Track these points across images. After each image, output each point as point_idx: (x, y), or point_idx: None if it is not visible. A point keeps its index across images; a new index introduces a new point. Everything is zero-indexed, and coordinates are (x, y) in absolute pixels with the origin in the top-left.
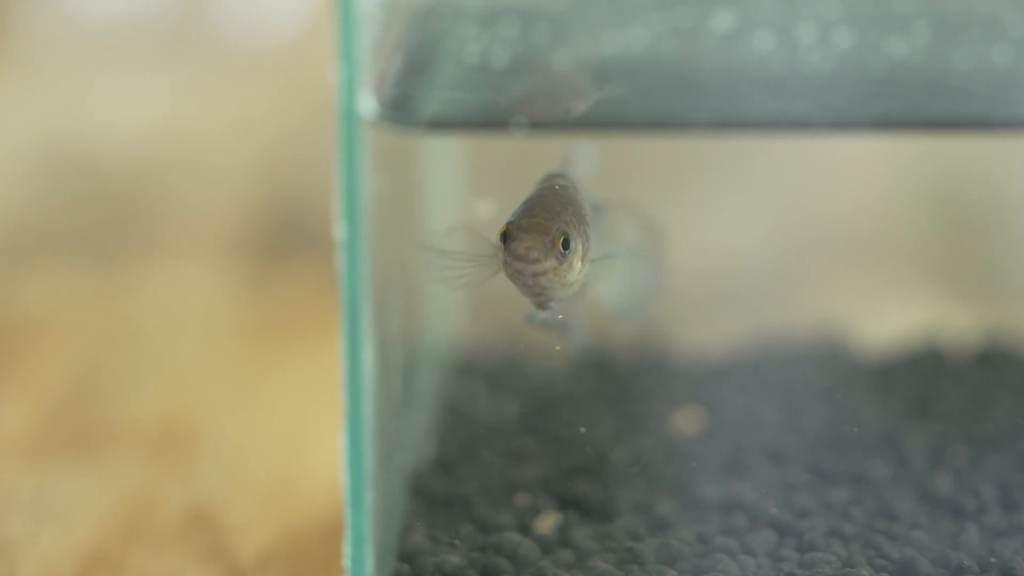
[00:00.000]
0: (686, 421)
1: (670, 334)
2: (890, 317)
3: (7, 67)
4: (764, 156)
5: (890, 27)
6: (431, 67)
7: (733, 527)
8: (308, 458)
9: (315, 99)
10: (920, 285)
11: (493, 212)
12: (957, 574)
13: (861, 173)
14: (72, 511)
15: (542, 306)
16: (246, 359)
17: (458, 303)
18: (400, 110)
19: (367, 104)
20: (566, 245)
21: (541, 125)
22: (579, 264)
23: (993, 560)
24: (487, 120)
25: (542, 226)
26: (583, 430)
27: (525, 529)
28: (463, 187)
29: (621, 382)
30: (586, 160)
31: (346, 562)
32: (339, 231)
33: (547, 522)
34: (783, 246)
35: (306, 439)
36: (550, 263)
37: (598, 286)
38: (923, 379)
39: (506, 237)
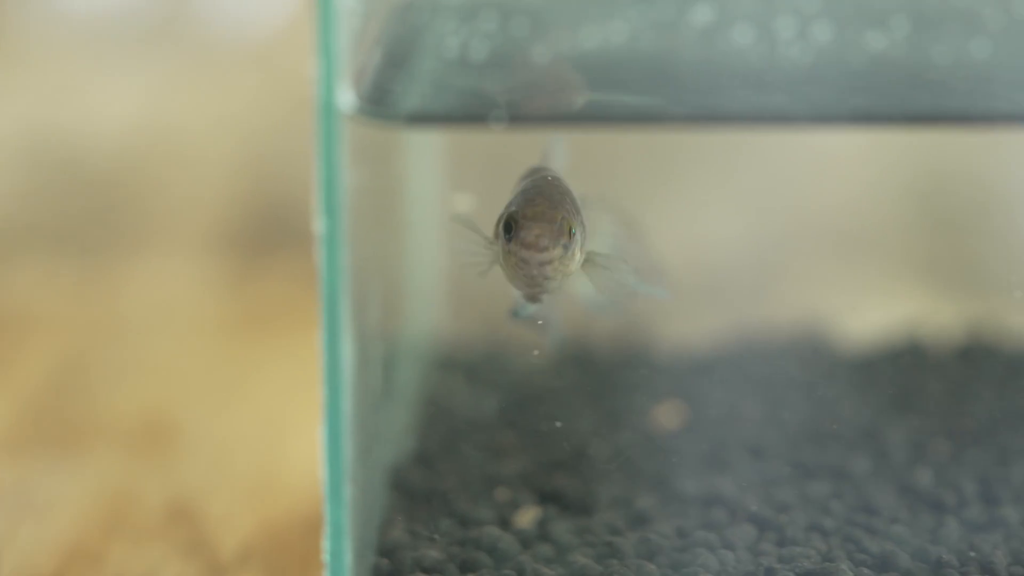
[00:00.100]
0: (667, 415)
1: (651, 328)
2: (871, 312)
3: None
4: (745, 150)
5: (869, 21)
6: (410, 61)
7: (713, 521)
8: (289, 452)
9: (298, 94)
10: (901, 279)
11: (472, 206)
12: (937, 568)
13: (842, 167)
14: (52, 505)
15: (535, 299)
16: (228, 353)
17: (439, 297)
18: (379, 104)
19: (346, 98)
20: (571, 234)
21: (543, 119)
22: (578, 254)
23: (973, 554)
24: (466, 114)
25: (548, 215)
26: (559, 424)
27: (505, 523)
28: (442, 181)
29: (602, 376)
30: (565, 154)
31: (325, 556)
32: (318, 225)
33: (527, 516)
34: (765, 240)
35: (287, 433)
36: (556, 252)
37: (576, 282)
38: (904, 374)
39: (510, 226)
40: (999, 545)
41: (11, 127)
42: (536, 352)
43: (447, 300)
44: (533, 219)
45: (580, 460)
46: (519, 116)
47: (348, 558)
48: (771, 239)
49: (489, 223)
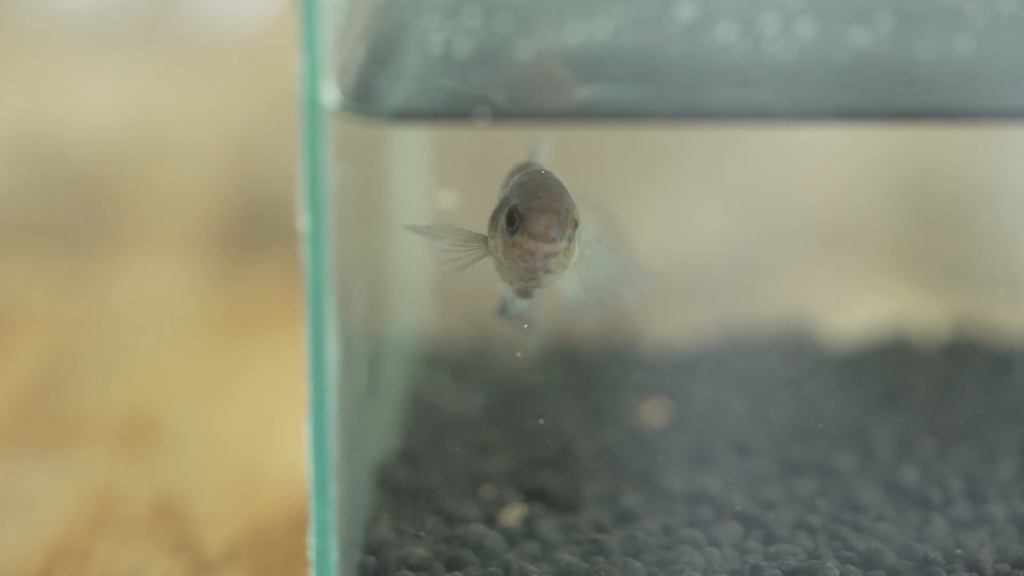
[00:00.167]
0: (652, 413)
1: (637, 326)
2: (856, 308)
3: None
4: (730, 147)
5: (853, 17)
6: (394, 57)
7: (699, 519)
8: (275, 450)
9: (284, 90)
10: (886, 276)
11: (457, 202)
12: (923, 566)
13: (827, 164)
14: (38, 502)
15: (527, 294)
16: (214, 350)
17: (424, 294)
18: (363, 100)
19: (330, 95)
20: (575, 226)
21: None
22: (577, 248)
23: (959, 552)
24: (451, 111)
25: (554, 206)
26: (541, 422)
27: (491, 521)
28: (428, 177)
29: (587, 374)
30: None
31: (311, 554)
32: (302, 222)
33: (512, 514)
34: (750, 237)
35: (273, 431)
36: (562, 244)
37: (562, 280)
38: (890, 371)
39: (513, 219)
40: (985, 542)
41: None
42: (519, 353)
43: (432, 297)
44: (540, 211)
45: (566, 457)
46: (516, 113)
47: (334, 556)
48: (756, 236)
49: (474, 220)
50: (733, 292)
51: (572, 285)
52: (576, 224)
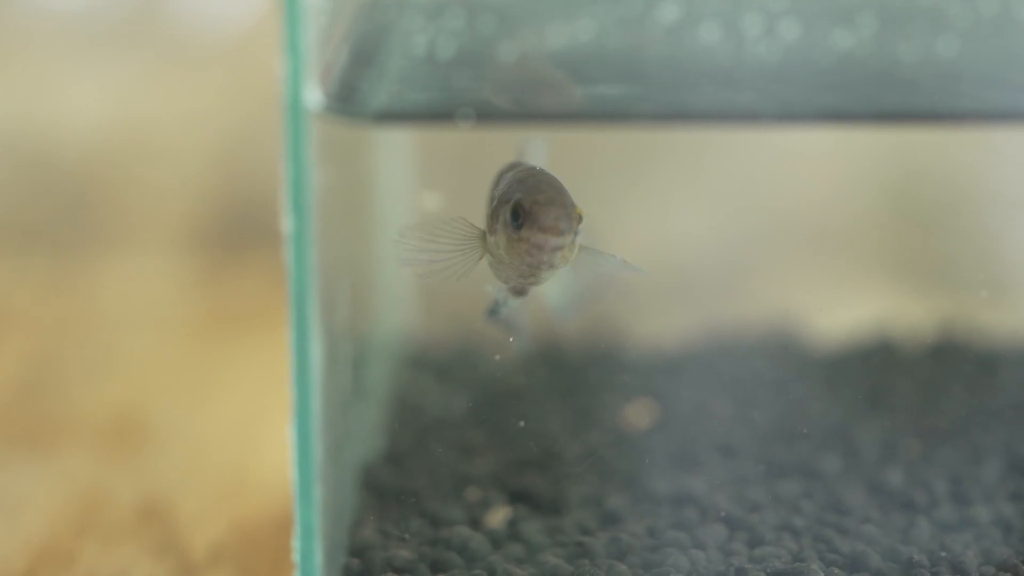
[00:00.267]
0: (637, 414)
1: (622, 327)
2: (842, 310)
3: None
4: (714, 148)
5: (836, 19)
6: (378, 59)
7: (684, 521)
8: (260, 452)
9: (269, 90)
10: (871, 277)
11: (441, 203)
12: (908, 568)
13: (812, 165)
14: (23, 504)
15: (523, 292)
16: (199, 352)
17: (409, 296)
18: (347, 102)
19: (313, 96)
20: (580, 220)
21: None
22: (578, 243)
23: (944, 554)
24: (434, 112)
25: (560, 200)
26: (522, 424)
27: (475, 523)
28: (412, 179)
29: (572, 375)
30: (541, 154)
31: (295, 557)
32: (286, 224)
33: (497, 516)
34: (734, 239)
35: (258, 433)
36: (569, 237)
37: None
38: (875, 372)
39: (518, 214)
40: (970, 545)
41: None
42: (497, 356)
43: (417, 298)
44: (547, 204)
45: (550, 459)
46: (502, 114)
47: (318, 558)
48: (740, 237)
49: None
50: (718, 293)
51: (554, 289)
52: (580, 218)
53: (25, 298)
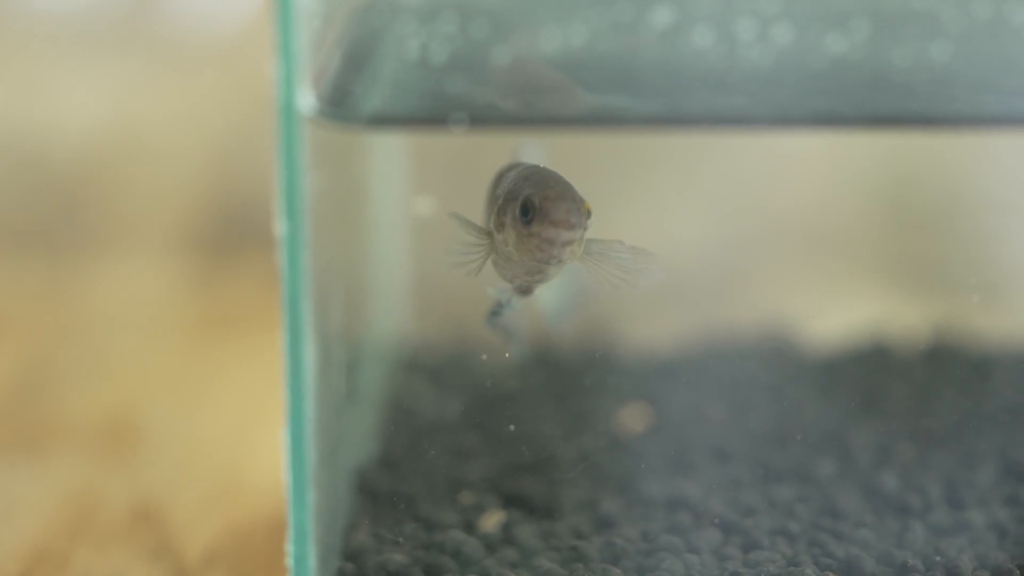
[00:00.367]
0: (632, 418)
1: (616, 331)
2: (836, 314)
3: None
4: (708, 152)
5: (829, 23)
6: (370, 63)
7: (678, 525)
8: (254, 455)
9: (263, 92)
10: (865, 281)
11: (435, 208)
12: (902, 573)
13: (806, 169)
14: (16, 508)
15: (528, 291)
16: (193, 355)
17: (402, 299)
18: (339, 106)
19: (306, 100)
20: (588, 215)
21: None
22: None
23: (938, 559)
24: (427, 116)
25: (569, 194)
26: (512, 428)
27: (469, 527)
28: (406, 182)
29: (567, 379)
30: (535, 158)
31: (288, 561)
32: (279, 228)
33: (491, 520)
34: (729, 242)
35: (252, 436)
36: (579, 232)
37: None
38: (869, 376)
39: (527, 210)
40: (965, 549)
41: None
42: (484, 356)
43: (411, 302)
44: (557, 199)
45: (545, 463)
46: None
47: (312, 562)
48: (735, 241)
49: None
50: (712, 297)
51: (549, 293)
52: (589, 213)
53: (19, 301)
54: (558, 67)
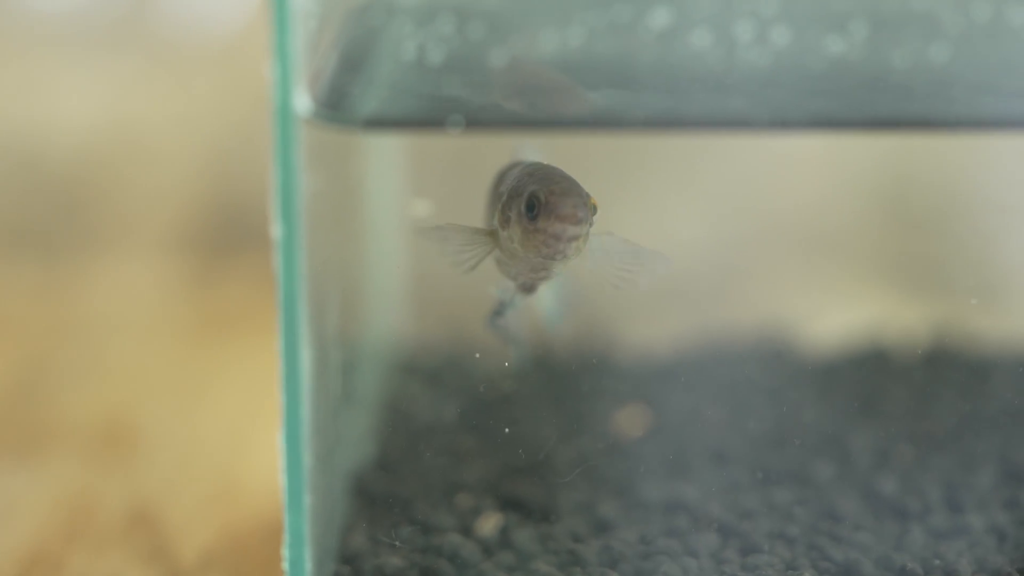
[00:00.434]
0: (629, 421)
1: (614, 332)
2: (834, 315)
3: None
4: (707, 153)
5: (827, 24)
6: (367, 64)
7: (676, 528)
8: (251, 457)
9: (260, 93)
10: (864, 283)
11: (432, 210)
12: None
13: (805, 170)
14: (12, 510)
15: (532, 288)
16: (189, 357)
17: (399, 301)
18: (336, 108)
19: (302, 102)
20: (594, 210)
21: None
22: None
23: (937, 562)
24: (424, 118)
25: (575, 189)
26: (507, 431)
27: (467, 531)
28: (403, 184)
29: (564, 381)
30: (535, 159)
31: (284, 565)
32: (275, 230)
33: (489, 523)
34: (727, 244)
35: (249, 438)
36: (586, 227)
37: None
38: (868, 378)
39: (533, 205)
40: (964, 553)
41: None
42: (477, 355)
43: (408, 304)
44: (563, 194)
45: (542, 466)
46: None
47: (308, 566)
48: (733, 243)
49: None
50: (710, 299)
51: (548, 296)
52: (595, 209)
53: (15, 301)
54: (555, 69)
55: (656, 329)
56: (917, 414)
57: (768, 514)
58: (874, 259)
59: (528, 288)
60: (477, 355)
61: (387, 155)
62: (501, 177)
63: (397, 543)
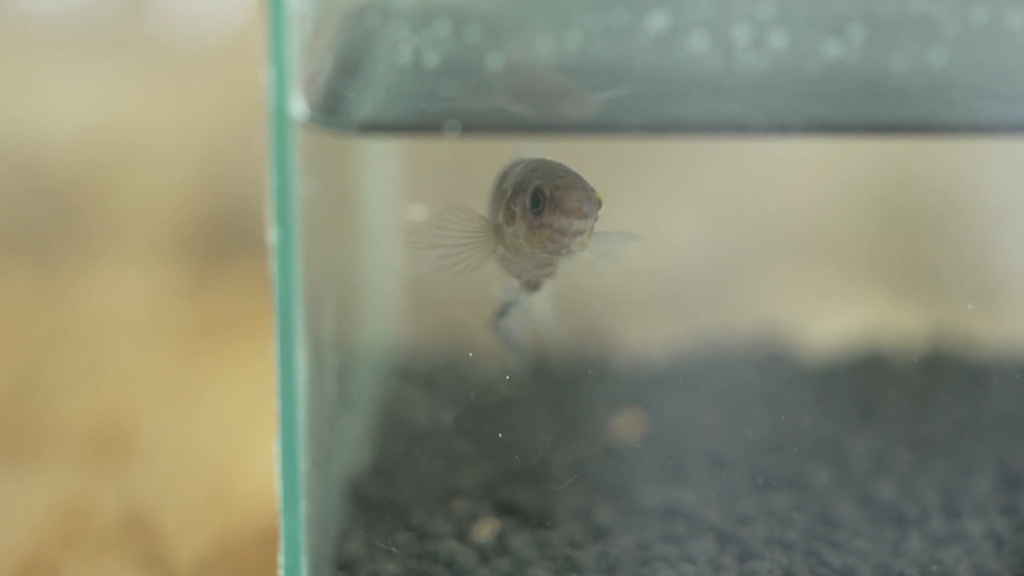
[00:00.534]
0: (626, 426)
1: (610, 337)
2: (832, 319)
3: None
4: (704, 157)
5: (825, 28)
6: (363, 68)
7: (673, 534)
8: (246, 463)
9: (256, 96)
10: (861, 288)
11: (425, 215)
12: None
13: (802, 174)
14: (7, 516)
15: (537, 286)
16: (185, 362)
17: (396, 306)
18: (331, 112)
19: (298, 106)
20: (599, 205)
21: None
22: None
23: (935, 568)
24: (420, 122)
25: (580, 184)
26: (500, 436)
27: (463, 537)
28: (398, 188)
29: (560, 386)
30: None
31: (280, 571)
32: (271, 234)
33: (485, 529)
34: (724, 248)
35: (245, 443)
36: (591, 221)
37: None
38: (865, 383)
39: (538, 200)
40: (961, 558)
41: None
42: (471, 353)
43: (404, 308)
44: (568, 188)
45: (539, 472)
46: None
47: (304, 572)
48: (730, 247)
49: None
50: (707, 303)
51: (543, 301)
52: (600, 203)
53: (9, 305)
54: (556, 72)
55: (653, 333)
56: (914, 419)
57: (765, 520)
58: (871, 263)
59: (533, 285)
60: (470, 354)
61: (383, 159)
62: (504, 174)
63: (393, 549)
